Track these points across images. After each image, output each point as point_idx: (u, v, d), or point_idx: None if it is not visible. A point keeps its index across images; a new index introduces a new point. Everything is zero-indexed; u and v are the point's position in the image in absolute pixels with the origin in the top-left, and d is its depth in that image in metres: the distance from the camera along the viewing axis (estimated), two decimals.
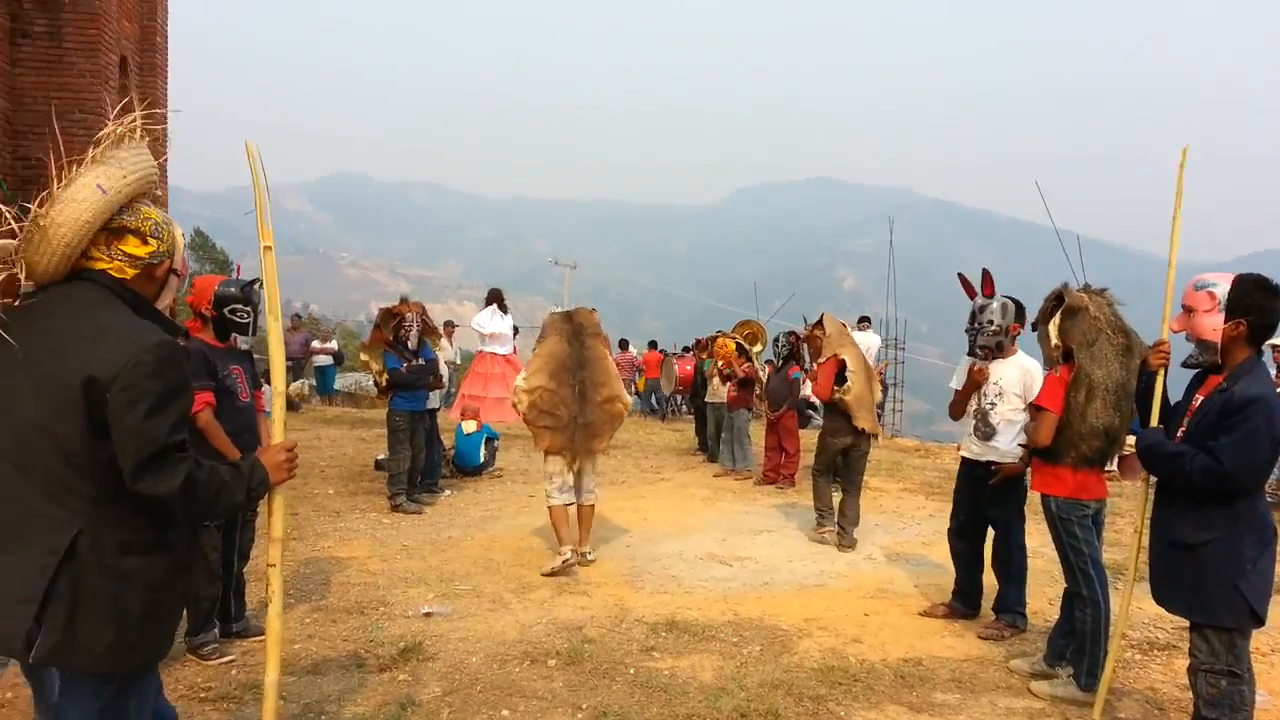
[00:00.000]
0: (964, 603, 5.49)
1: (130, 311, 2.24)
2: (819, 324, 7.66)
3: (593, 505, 6.48)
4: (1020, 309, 5.22)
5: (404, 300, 8.62)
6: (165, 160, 14.26)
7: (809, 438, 12.30)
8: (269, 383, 10.74)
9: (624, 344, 21.48)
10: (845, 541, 7.13)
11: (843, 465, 7.32)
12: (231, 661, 4.49)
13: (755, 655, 4.77)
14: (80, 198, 2.18)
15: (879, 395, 7.57)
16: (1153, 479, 3.67)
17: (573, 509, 6.38)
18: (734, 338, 11.07)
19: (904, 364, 18.15)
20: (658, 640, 4.92)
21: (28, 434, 2.13)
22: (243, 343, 4.78)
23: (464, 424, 10.16)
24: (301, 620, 5.14)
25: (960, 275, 5.36)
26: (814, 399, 14.03)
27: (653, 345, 21.50)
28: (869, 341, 16.54)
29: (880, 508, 8.80)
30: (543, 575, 6.08)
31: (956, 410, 5.42)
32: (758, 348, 11.30)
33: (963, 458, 5.47)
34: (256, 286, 4.70)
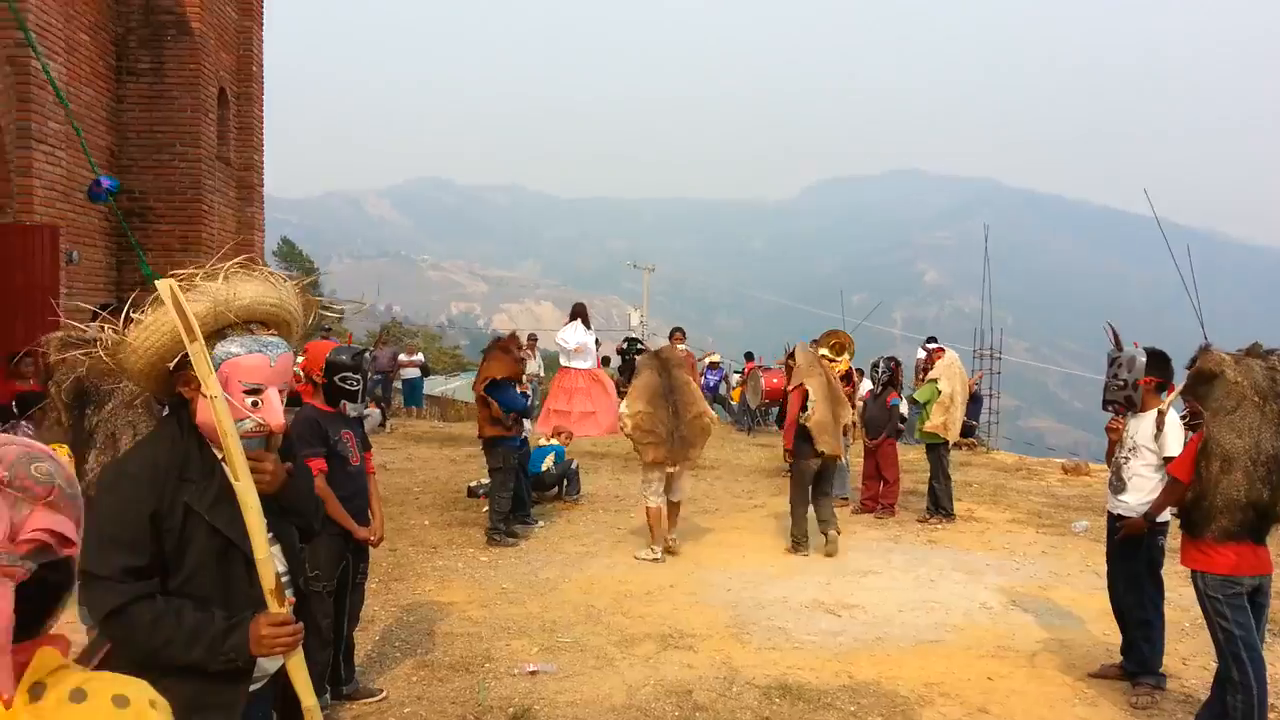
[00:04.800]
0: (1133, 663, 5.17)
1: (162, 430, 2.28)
2: (791, 355, 8.64)
3: (680, 502, 7.89)
4: (1157, 360, 4.92)
5: (512, 335, 8.65)
6: (261, 181, 14.63)
7: (902, 456, 11.96)
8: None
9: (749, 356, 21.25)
10: (830, 547, 7.85)
11: (814, 482, 8.13)
12: None
13: None
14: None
15: (845, 416, 8.43)
16: None
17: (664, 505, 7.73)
18: (844, 361, 10.77)
19: (1000, 374, 17.59)
20: (772, 709, 4.74)
21: None
22: (351, 410, 4.74)
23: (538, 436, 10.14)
24: (408, 679, 5.11)
25: (1108, 324, 5.13)
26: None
27: (749, 356, 21.16)
28: (951, 357, 16.03)
29: (988, 544, 8.44)
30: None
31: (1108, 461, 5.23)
32: (844, 356, 10.98)
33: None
34: (368, 355, 4.69)
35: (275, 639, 2.14)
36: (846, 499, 10.17)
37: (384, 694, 4.87)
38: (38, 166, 8.69)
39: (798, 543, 7.93)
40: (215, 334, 2.20)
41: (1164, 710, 4.82)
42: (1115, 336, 5.04)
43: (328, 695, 4.61)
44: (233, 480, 2.13)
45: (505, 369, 8.22)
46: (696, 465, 12.59)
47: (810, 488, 8.05)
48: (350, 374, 4.70)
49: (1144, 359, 4.92)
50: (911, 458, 12.24)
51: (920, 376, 9.85)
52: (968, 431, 16.33)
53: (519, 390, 8.59)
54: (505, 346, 8.31)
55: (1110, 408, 5.02)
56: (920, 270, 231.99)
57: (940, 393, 9.45)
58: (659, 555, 7.53)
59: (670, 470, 7.56)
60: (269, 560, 2.16)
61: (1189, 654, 5.59)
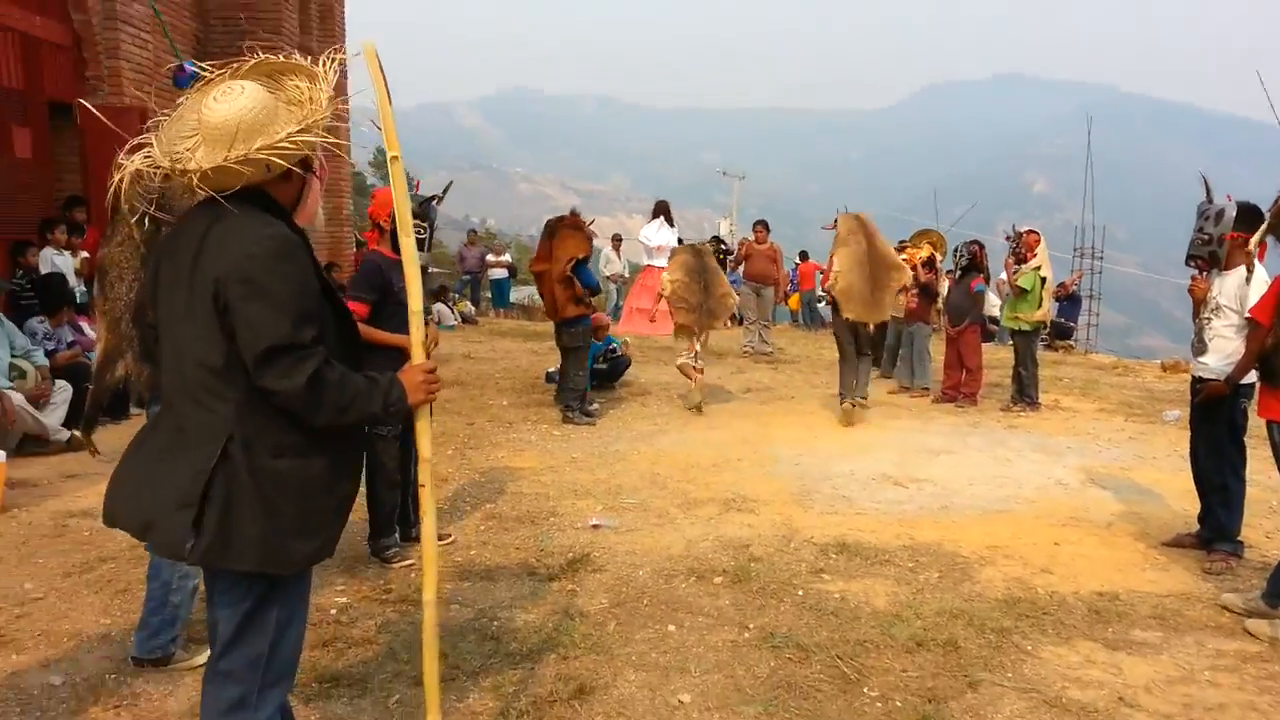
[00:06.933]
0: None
1: (260, 211, 2.20)
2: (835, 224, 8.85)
3: (702, 369, 8.73)
4: (1249, 215, 4.60)
5: (574, 213, 8.59)
6: (348, 83, 14.72)
7: (990, 354, 11.65)
8: (441, 300, 11.02)
9: (804, 255, 20.83)
10: (843, 417, 8.19)
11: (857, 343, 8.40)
12: (411, 565, 4.66)
13: (933, 582, 4.53)
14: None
15: (898, 280, 8.41)
16: None
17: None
18: (925, 247, 10.48)
19: (1100, 274, 16.81)
20: (827, 562, 4.77)
21: (181, 345, 2.19)
22: (418, 259, 4.83)
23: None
24: (477, 527, 5.29)
25: (1201, 174, 4.83)
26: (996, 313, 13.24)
27: (804, 256, 20.54)
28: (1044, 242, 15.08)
29: (1073, 429, 8.21)
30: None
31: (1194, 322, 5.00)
32: (924, 244, 10.69)
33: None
34: (434, 203, 4.73)
35: (431, 384, 2.39)
36: (927, 389, 9.97)
37: (452, 538, 5.06)
38: (125, 49, 8.92)
39: (844, 389, 8.34)
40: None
41: (1239, 576, 4.66)
42: (1208, 187, 4.73)
43: (396, 534, 4.83)
44: (402, 237, 2.46)
45: (584, 247, 8.21)
46: (777, 359, 12.56)
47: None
48: (417, 222, 4.77)
49: (1234, 212, 4.61)
50: (1002, 356, 11.91)
51: (1010, 260, 9.41)
52: (1065, 333, 15.78)
53: None
54: (577, 224, 8.29)
55: (1193, 264, 4.75)
56: (1028, 181, 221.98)
57: (1045, 279, 9.13)
58: (695, 399, 8.69)
59: (689, 334, 8.65)
60: (420, 313, 2.44)
61: (1274, 529, 5.38)
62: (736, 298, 9.53)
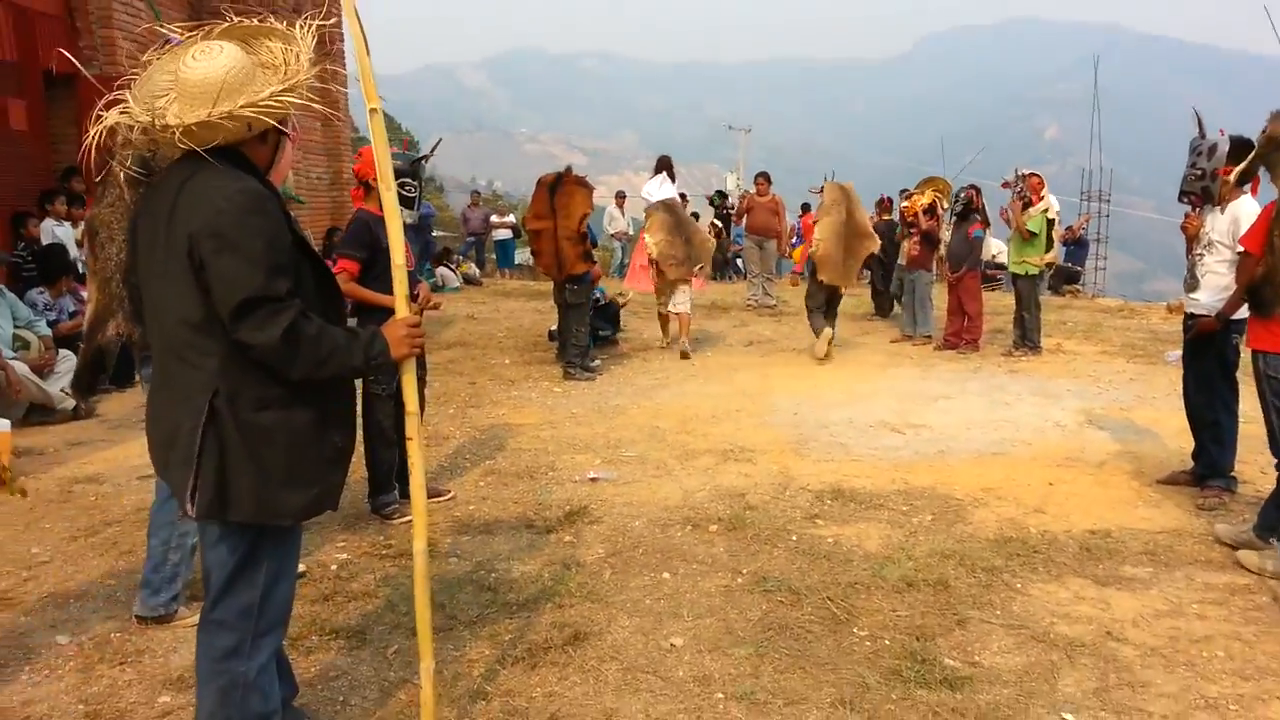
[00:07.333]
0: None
1: (232, 168, 2.20)
2: (822, 190, 9.46)
3: (687, 313, 9.36)
4: (1243, 149, 4.54)
5: (569, 170, 8.53)
6: (344, 48, 14.61)
7: (995, 301, 11.61)
8: (444, 263, 11.02)
9: (806, 208, 20.54)
10: (816, 348, 8.96)
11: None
12: (410, 521, 4.72)
13: (925, 525, 4.58)
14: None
15: (869, 248, 9.02)
16: None
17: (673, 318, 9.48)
18: (928, 193, 10.40)
19: (1109, 218, 16.64)
20: (822, 508, 4.81)
21: (161, 303, 2.23)
22: (407, 217, 4.84)
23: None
24: (476, 483, 5.35)
25: (1193, 109, 4.76)
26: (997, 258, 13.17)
27: (805, 209, 20.20)
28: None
29: (1073, 372, 8.21)
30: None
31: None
32: (927, 192, 10.64)
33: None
34: (423, 162, 4.73)
35: (414, 338, 2.40)
36: (929, 336, 9.96)
37: (452, 494, 5.13)
38: (118, 18, 8.87)
39: (816, 331, 9.10)
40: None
41: (1232, 511, 4.69)
42: (1200, 122, 4.67)
43: (396, 491, 4.88)
44: (382, 190, 2.44)
45: (590, 203, 8.24)
46: (780, 312, 12.54)
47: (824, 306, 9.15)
48: (406, 180, 4.78)
49: (1227, 146, 4.56)
50: (1006, 302, 11.86)
51: (1017, 203, 9.28)
52: (1072, 277, 15.68)
53: None
54: (581, 180, 8.26)
55: (1186, 199, 4.71)
56: (1040, 126, 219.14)
57: (1053, 221, 9.09)
58: (666, 343, 9.65)
59: (684, 283, 9.20)
60: (404, 267, 2.46)
61: (1268, 464, 5.36)
62: (712, 240, 10.37)
